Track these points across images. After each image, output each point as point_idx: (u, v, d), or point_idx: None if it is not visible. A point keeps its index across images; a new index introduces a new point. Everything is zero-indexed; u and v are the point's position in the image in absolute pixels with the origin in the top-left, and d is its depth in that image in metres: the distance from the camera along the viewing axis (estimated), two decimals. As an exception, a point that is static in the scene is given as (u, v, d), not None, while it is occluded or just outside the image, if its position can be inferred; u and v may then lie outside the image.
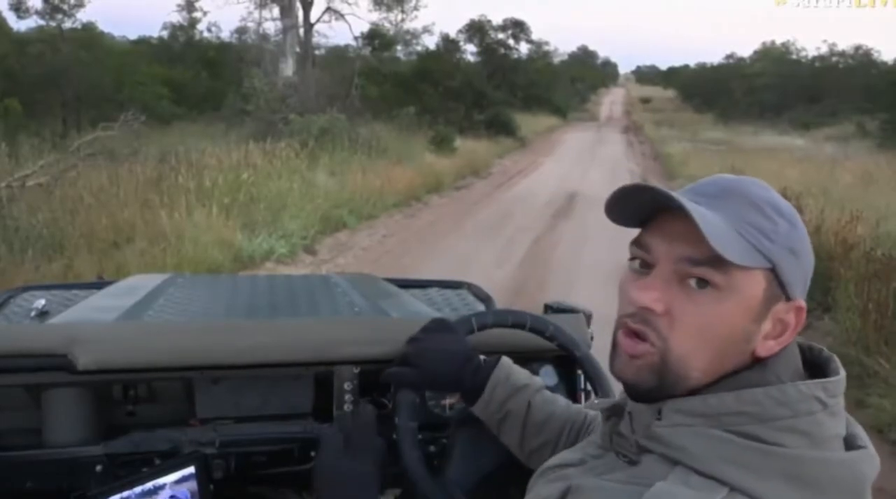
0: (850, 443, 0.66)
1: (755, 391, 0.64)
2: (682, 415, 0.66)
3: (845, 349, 4.50)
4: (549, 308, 1.47)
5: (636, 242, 0.71)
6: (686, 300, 0.65)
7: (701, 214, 0.63)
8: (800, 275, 0.67)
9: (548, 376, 1.31)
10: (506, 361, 1.08)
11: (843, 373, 0.67)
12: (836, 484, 0.61)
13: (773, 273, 0.65)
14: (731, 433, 0.63)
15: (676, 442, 0.64)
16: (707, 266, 0.64)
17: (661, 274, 0.67)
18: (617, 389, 1.23)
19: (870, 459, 0.65)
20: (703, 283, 0.65)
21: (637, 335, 0.68)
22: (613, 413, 0.76)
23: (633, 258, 0.71)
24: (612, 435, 0.74)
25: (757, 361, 0.67)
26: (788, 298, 0.66)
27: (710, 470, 0.61)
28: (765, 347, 0.66)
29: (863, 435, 0.68)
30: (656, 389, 0.68)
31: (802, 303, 0.67)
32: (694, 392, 0.67)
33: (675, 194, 0.65)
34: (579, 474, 0.74)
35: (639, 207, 0.69)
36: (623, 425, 0.73)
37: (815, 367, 0.70)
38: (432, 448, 1.19)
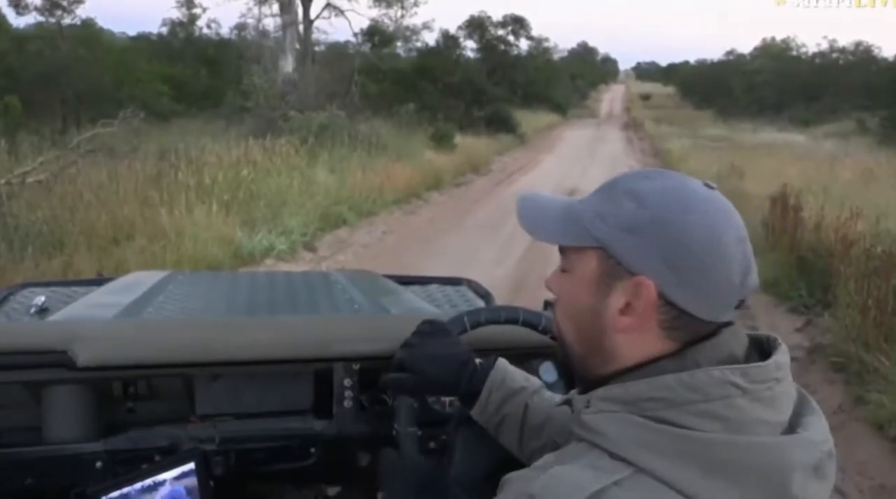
0: (789, 429, 0.66)
1: (667, 377, 0.65)
2: (607, 402, 0.68)
3: (845, 346, 4.50)
4: (549, 305, 1.47)
5: None
6: (557, 285, 0.76)
7: (530, 207, 0.78)
8: (637, 250, 0.67)
9: (548, 372, 1.31)
10: (502, 363, 1.07)
11: (775, 359, 0.67)
12: (750, 468, 0.61)
13: (606, 251, 0.69)
14: (647, 418, 0.64)
15: (598, 428, 0.67)
16: (561, 254, 0.74)
17: (555, 268, 0.77)
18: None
19: (802, 444, 0.64)
20: (563, 270, 0.75)
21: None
22: (566, 404, 0.80)
23: None
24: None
25: (677, 352, 0.68)
26: (633, 274, 0.68)
27: (622, 453, 0.64)
28: (620, 323, 0.69)
29: (812, 422, 0.67)
30: (579, 374, 0.76)
31: (642, 279, 0.67)
32: (619, 379, 0.70)
33: (520, 196, 0.79)
34: (547, 466, 0.76)
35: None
36: (570, 415, 0.76)
37: (766, 356, 0.70)
38: (433, 445, 1.19)
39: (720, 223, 0.67)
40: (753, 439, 0.63)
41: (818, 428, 0.67)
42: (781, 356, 0.68)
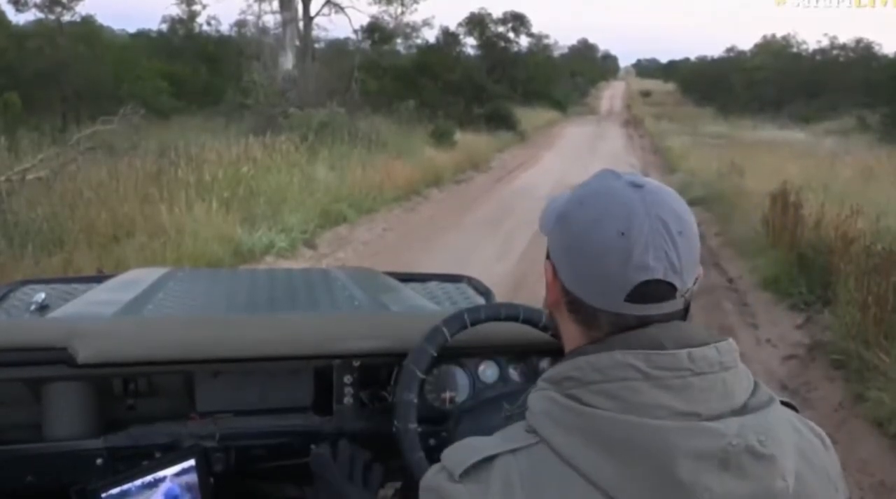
0: (704, 420, 0.66)
1: (580, 359, 0.71)
2: (543, 381, 0.74)
3: (845, 343, 4.51)
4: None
5: None
6: None
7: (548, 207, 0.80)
8: (553, 239, 0.76)
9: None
10: None
11: (690, 351, 0.68)
12: (636, 448, 0.64)
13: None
14: (564, 396, 0.69)
15: (530, 404, 0.73)
16: None
17: None
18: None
19: (698, 432, 0.64)
20: None
21: None
22: None
23: None
24: None
25: (598, 339, 0.72)
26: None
27: (535, 424, 0.70)
28: (547, 298, 0.79)
29: (746, 421, 0.66)
30: None
31: (549, 262, 0.77)
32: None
33: (550, 199, 0.81)
34: None
35: None
36: None
37: None
38: (433, 442, 1.19)
39: (604, 217, 0.71)
40: (641, 420, 0.65)
41: (744, 425, 0.66)
42: (709, 351, 0.69)
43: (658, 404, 0.66)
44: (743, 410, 0.68)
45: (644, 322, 0.70)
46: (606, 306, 0.71)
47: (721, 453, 0.64)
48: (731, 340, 0.72)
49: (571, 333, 0.76)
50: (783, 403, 0.74)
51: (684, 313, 0.73)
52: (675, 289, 0.70)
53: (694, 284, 0.73)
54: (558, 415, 0.68)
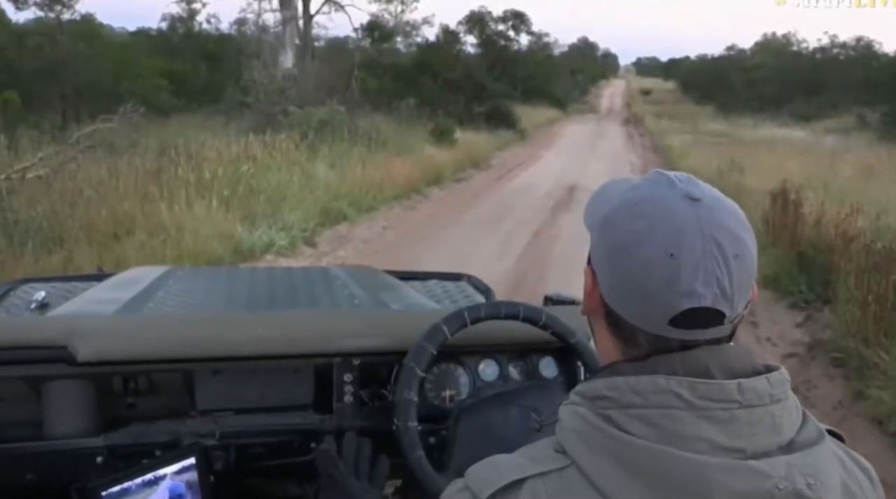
0: (750, 458, 0.62)
1: (618, 379, 0.66)
2: (575, 395, 0.70)
3: (845, 341, 4.51)
4: (549, 300, 1.48)
5: None
6: None
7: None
8: (596, 244, 0.72)
9: (547, 368, 1.31)
10: None
11: (740, 382, 0.64)
12: (672, 481, 0.60)
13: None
14: (597, 415, 0.65)
15: (560, 418, 0.69)
16: None
17: None
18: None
19: (740, 471, 0.61)
20: None
21: None
22: None
23: None
24: None
25: (637, 358, 0.68)
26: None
27: (565, 443, 0.66)
28: (585, 303, 0.74)
29: (792, 460, 0.63)
30: None
31: (589, 267, 0.73)
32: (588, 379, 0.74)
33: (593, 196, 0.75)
34: None
35: None
36: None
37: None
38: (432, 440, 1.19)
39: (653, 232, 0.65)
40: (680, 452, 0.61)
41: (792, 464, 0.62)
42: (760, 382, 0.64)
43: (699, 436, 0.62)
44: (790, 447, 0.64)
45: (687, 346, 0.66)
46: (646, 327, 0.66)
47: (765, 497, 0.60)
48: (783, 369, 0.68)
49: (607, 347, 0.71)
50: (828, 431, 0.69)
51: (730, 336, 0.68)
52: (723, 316, 0.65)
53: (745, 308, 0.67)
54: (590, 435, 0.65)
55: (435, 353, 1.11)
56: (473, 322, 1.15)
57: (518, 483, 0.64)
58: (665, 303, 0.64)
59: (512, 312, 1.18)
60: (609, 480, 0.62)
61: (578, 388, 0.70)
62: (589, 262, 0.73)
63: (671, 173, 0.70)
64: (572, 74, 46.50)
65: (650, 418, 0.63)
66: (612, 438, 0.63)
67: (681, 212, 0.65)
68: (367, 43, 20.21)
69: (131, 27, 31.48)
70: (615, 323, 0.69)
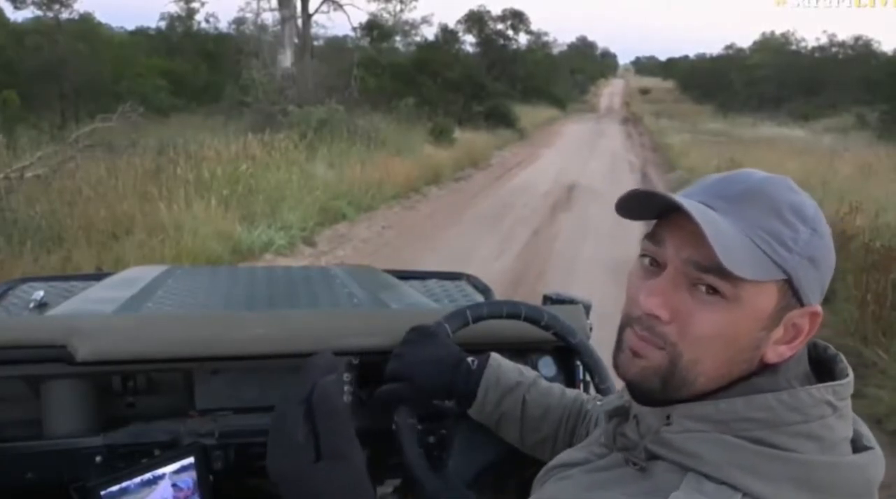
0: (856, 444, 0.65)
1: (766, 397, 0.63)
2: (693, 421, 0.65)
3: (843, 340, 4.51)
4: (548, 299, 1.47)
5: (647, 240, 0.69)
6: (694, 306, 0.64)
7: (713, 227, 0.61)
8: (817, 282, 0.65)
9: (546, 367, 1.31)
10: (495, 360, 1.06)
11: (850, 374, 0.66)
12: (845, 488, 0.61)
13: (788, 283, 0.63)
14: (743, 439, 0.62)
15: (689, 449, 0.63)
16: (715, 275, 0.62)
17: (670, 276, 0.65)
18: (616, 378, 1.23)
19: (877, 460, 0.64)
20: (712, 290, 0.63)
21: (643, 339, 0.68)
22: (617, 414, 0.75)
23: (643, 255, 0.70)
24: (616, 435, 0.73)
25: (766, 367, 0.66)
26: (803, 304, 0.65)
27: (722, 476, 0.61)
28: (776, 353, 0.65)
29: (869, 435, 0.67)
30: (659, 391, 0.67)
31: (818, 308, 0.65)
32: (700, 397, 0.66)
33: (688, 205, 0.62)
34: (583, 473, 0.74)
35: (651, 207, 0.68)
36: (628, 427, 0.72)
37: (820, 364, 0.69)
38: (431, 439, 1.19)
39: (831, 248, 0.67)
40: (845, 458, 0.62)
41: (874, 440, 0.67)
42: (849, 369, 0.67)
43: (843, 437, 0.63)
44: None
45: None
46: None
47: (882, 476, 0.63)
48: None
49: (733, 362, 0.66)
50: None
51: None
52: None
53: None
54: (753, 464, 0.60)
55: None
56: (475, 321, 1.15)
57: None
58: None
59: (514, 311, 1.18)
60: None
61: (691, 411, 0.65)
62: (803, 304, 0.65)
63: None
64: (571, 74, 46.52)
65: (812, 432, 0.62)
66: (776, 460, 0.60)
67: None
68: (366, 42, 20.23)
69: (130, 26, 31.44)
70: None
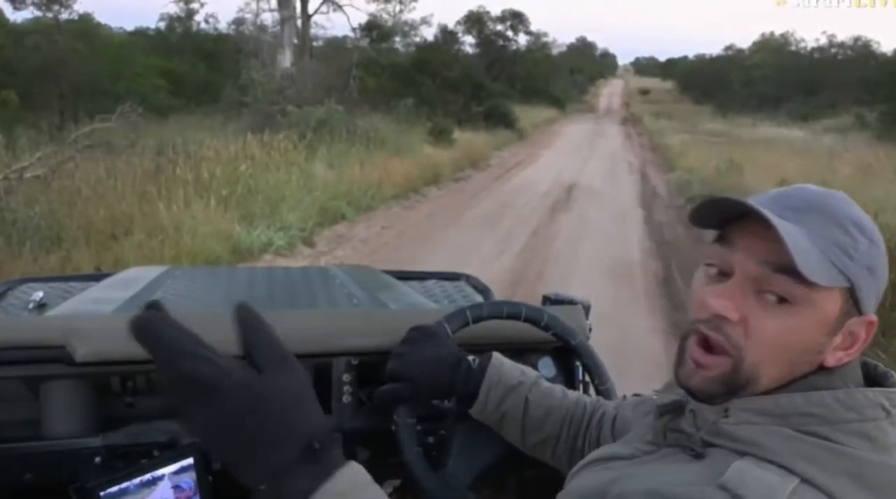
0: None
1: (823, 394, 0.66)
2: (751, 414, 0.67)
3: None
4: (547, 299, 1.47)
5: (717, 244, 0.71)
6: (762, 313, 0.67)
7: (790, 234, 0.63)
8: (874, 291, 0.68)
9: (546, 367, 1.31)
10: (497, 359, 1.07)
11: None
12: (891, 490, 0.62)
13: (851, 291, 0.66)
14: (800, 432, 0.64)
15: (746, 437, 0.66)
16: (788, 276, 0.64)
17: (738, 283, 0.68)
18: (615, 381, 1.23)
19: None
20: (780, 298, 0.66)
21: (709, 344, 0.69)
22: (670, 410, 0.75)
23: (709, 264, 0.71)
24: (667, 431, 0.74)
25: (823, 368, 0.69)
26: (861, 313, 0.68)
27: (782, 462, 0.63)
28: (834, 358, 0.68)
29: None
30: (722, 395, 0.69)
31: (874, 318, 0.68)
32: (759, 394, 0.69)
33: (767, 212, 0.65)
34: (629, 466, 0.74)
35: (724, 215, 0.70)
36: (684, 421, 0.73)
37: (871, 381, 0.71)
38: (431, 440, 1.19)
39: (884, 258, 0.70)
40: (894, 461, 0.64)
41: None
42: None
43: (894, 443, 0.65)
44: None
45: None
46: None
47: None
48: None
49: (795, 365, 0.69)
50: None
51: None
52: None
53: None
54: (811, 454, 0.63)
55: None
56: (475, 321, 1.15)
57: (792, 494, 0.61)
58: None
59: (514, 311, 1.18)
60: (844, 494, 0.61)
61: (751, 405, 0.67)
62: (861, 312, 0.68)
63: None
64: (571, 74, 46.56)
65: (867, 432, 0.64)
66: (832, 452, 0.63)
67: None
68: (365, 42, 20.24)
69: (129, 27, 31.49)
70: None
